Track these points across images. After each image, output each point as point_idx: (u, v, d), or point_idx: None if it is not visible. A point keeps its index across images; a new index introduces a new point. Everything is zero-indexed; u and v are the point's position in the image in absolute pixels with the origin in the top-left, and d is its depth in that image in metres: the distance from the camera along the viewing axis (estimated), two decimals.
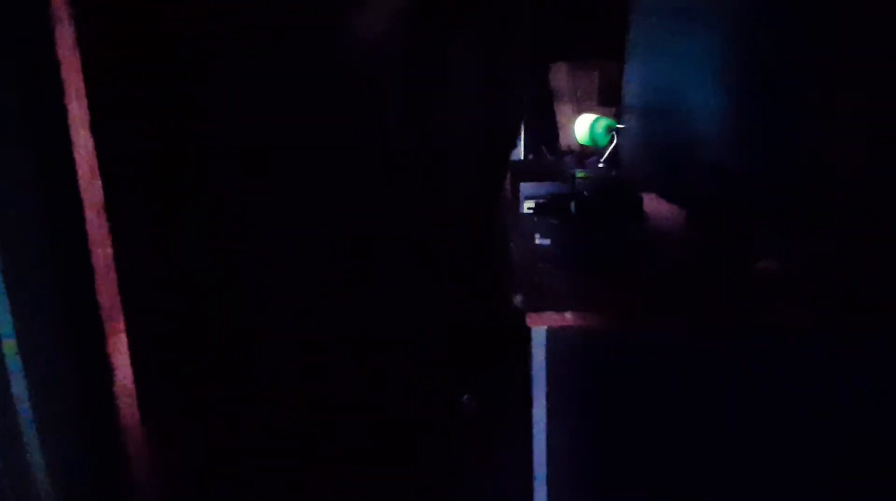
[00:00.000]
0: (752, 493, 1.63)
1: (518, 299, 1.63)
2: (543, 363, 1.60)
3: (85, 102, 1.54)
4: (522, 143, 2.96)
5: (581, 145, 2.75)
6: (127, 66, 1.77)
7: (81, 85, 1.53)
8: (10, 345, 1.45)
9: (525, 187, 2.28)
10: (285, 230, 2.14)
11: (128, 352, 1.69)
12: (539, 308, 1.56)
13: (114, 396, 1.70)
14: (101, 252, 1.64)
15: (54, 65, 1.51)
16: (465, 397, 2.39)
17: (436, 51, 2.34)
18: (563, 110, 2.89)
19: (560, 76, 2.88)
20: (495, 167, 2.70)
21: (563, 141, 2.89)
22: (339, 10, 2.13)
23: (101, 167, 1.60)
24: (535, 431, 1.67)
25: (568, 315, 1.56)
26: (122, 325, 1.68)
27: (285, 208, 2.12)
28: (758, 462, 1.63)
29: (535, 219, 2.14)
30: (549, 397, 1.62)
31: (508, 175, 2.65)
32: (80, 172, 1.59)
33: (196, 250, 2.04)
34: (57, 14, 1.49)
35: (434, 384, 2.42)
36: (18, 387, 1.48)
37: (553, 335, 1.58)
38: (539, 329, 1.58)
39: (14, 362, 1.46)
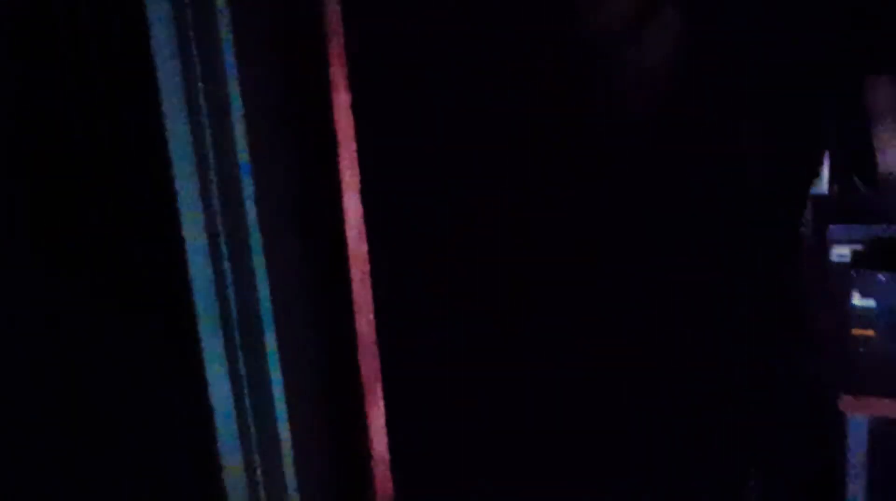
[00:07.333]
0: None
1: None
2: (864, 462, 1.30)
3: (357, 170, 1.52)
4: (825, 171, 2.56)
5: None
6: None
7: (354, 155, 1.50)
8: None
9: (835, 230, 1.92)
10: None
11: (384, 421, 1.67)
12: (859, 391, 1.27)
13: (369, 465, 1.67)
14: (365, 320, 1.61)
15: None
16: (752, 480, 2.08)
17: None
18: (882, 131, 2.46)
19: (880, 91, 2.45)
20: (790, 203, 2.35)
21: (884, 167, 2.45)
22: None
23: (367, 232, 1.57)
24: None
25: None
26: (379, 393, 1.65)
27: None
28: None
29: (854, 272, 1.79)
30: None
31: (806, 213, 2.29)
32: (348, 236, 1.57)
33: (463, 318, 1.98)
34: (333, 82, 1.46)
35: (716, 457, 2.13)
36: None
37: (878, 428, 1.32)
38: (858, 418, 1.30)
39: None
